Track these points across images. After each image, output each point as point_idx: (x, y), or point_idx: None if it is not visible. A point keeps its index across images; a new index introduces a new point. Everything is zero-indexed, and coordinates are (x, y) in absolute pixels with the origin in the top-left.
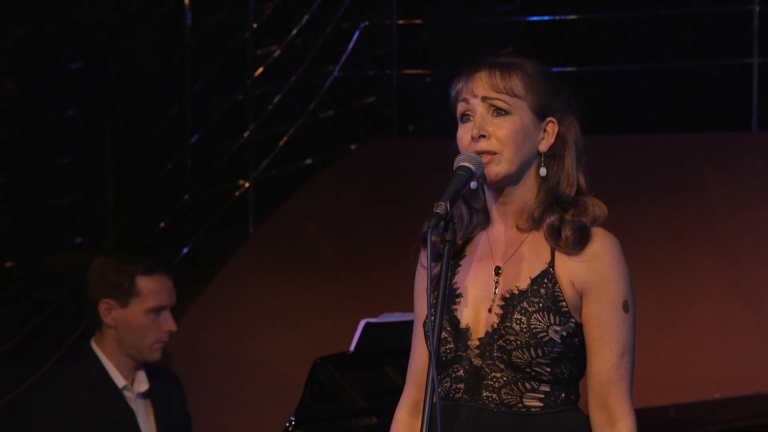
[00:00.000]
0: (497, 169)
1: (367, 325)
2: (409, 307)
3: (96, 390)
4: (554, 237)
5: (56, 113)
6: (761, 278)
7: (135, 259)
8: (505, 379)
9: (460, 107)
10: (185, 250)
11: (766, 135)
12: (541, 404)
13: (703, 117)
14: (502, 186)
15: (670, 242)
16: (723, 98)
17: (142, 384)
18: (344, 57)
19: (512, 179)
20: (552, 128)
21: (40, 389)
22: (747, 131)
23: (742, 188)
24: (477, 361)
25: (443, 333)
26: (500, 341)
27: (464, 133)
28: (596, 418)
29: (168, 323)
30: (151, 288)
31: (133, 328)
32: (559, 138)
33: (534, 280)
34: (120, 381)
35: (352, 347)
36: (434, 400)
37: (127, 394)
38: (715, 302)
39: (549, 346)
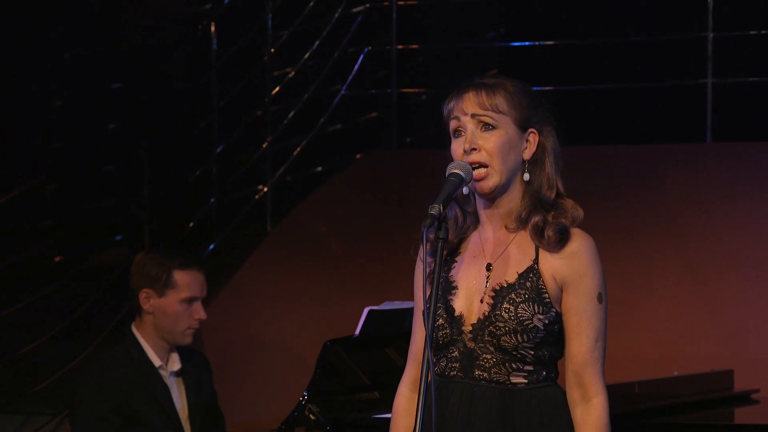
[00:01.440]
0: (490, 182)
1: (370, 312)
2: (407, 297)
3: (135, 368)
4: (538, 236)
5: (100, 127)
6: (713, 270)
7: (173, 254)
8: (494, 360)
9: (453, 124)
10: (211, 247)
11: (719, 146)
12: (526, 381)
13: (663, 130)
14: (493, 196)
15: (634, 238)
16: (681, 113)
17: (175, 364)
18: (350, 78)
19: (502, 189)
20: (533, 138)
21: (89, 367)
22: (702, 142)
23: (697, 192)
24: (470, 344)
25: (440, 320)
26: (491, 327)
27: (457, 147)
28: (573, 395)
29: (199, 312)
30: (186, 281)
31: (168, 315)
32: (540, 146)
33: (521, 275)
34: (156, 361)
35: (357, 331)
36: (429, 379)
37: (162, 372)
38: (673, 291)
39: (533, 332)
